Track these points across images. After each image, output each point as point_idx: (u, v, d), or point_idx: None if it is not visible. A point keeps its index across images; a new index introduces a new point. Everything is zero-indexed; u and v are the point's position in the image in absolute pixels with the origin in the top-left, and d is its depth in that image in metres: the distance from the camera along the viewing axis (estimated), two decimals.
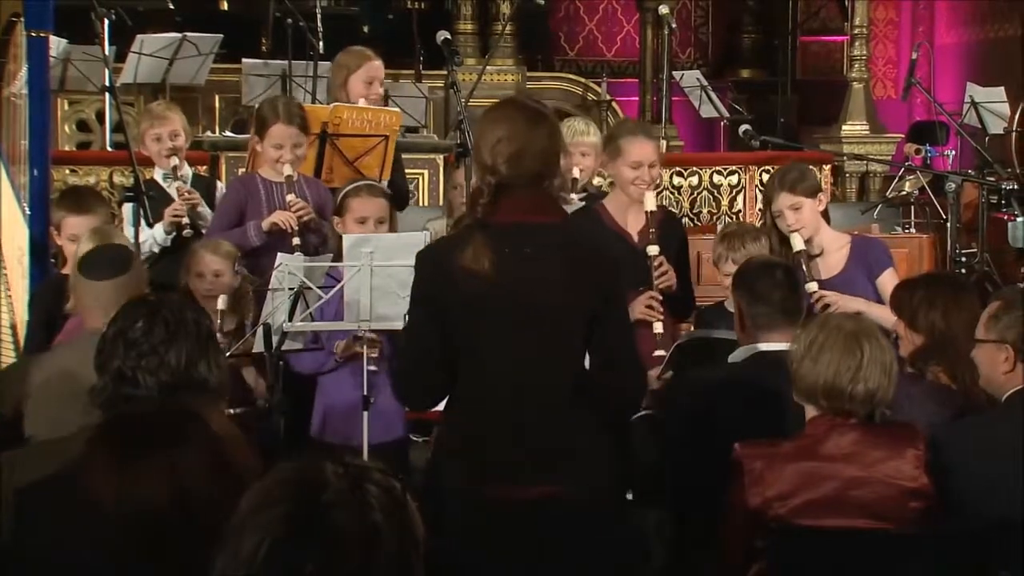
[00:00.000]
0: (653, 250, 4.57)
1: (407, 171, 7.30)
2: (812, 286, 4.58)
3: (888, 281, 4.76)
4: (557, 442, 3.24)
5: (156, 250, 5.43)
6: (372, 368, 4.49)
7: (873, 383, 3.24)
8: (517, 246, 3.21)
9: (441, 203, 7.14)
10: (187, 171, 5.73)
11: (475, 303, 3.21)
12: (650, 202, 4.63)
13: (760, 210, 8.90)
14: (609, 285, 3.32)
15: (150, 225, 5.33)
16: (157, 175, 5.70)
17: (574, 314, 3.26)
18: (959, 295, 3.94)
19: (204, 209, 5.53)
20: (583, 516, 3.24)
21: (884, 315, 4.33)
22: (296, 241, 5.06)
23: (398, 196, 5.74)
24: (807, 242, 4.75)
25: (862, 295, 4.72)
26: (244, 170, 6.01)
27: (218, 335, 4.31)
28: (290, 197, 5.18)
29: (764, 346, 3.85)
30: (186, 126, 5.81)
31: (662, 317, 4.48)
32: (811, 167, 5.50)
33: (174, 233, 5.42)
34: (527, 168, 3.23)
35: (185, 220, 5.40)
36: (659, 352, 4.39)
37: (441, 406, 3.47)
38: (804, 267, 4.63)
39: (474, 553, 3.20)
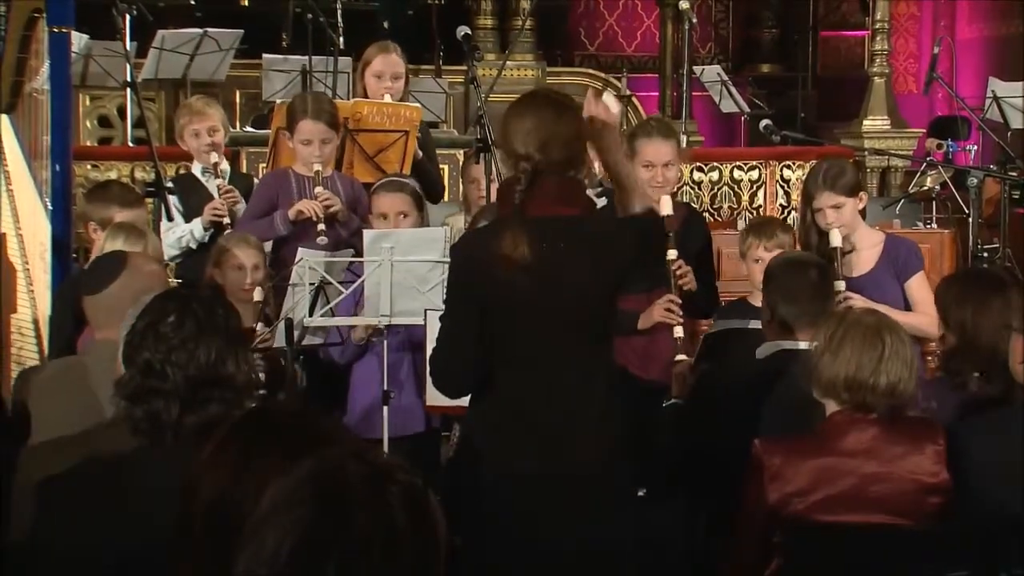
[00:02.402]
0: (671, 254, 4.46)
1: None
2: (840, 285, 4.51)
3: (916, 285, 4.72)
4: (583, 429, 3.28)
5: (194, 246, 5.42)
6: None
7: (895, 375, 3.24)
8: (553, 241, 3.26)
9: (460, 198, 7.13)
10: (225, 167, 5.71)
11: (511, 293, 3.25)
12: (666, 206, 4.50)
13: (782, 205, 8.93)
14: (635, 255, 3.39)
15: (171, 219, 5.34)
16: (195, 169, 5.67)
17: (605, 307, 3.33)
18: (992, 294, 3.76)
19: (243, 206, 5.51)
20: (600, 498, 3.28)
21: (908, 322, 4.28)
22: (321, 227, 5.08)
23: (430, 187, 5.76)
24: (843, 239, 4.73)
25: (889, 296, 4.67)
26: (266, 165, 6.03)
27: (259, 325, 4.36)
28: (318, 189, 5.22)
29: (789, 344, 3.83)
30: (225, 122, 5.80)
31: (682, 321, 4.44)
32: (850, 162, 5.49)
33: (212, 230, 5.40)
34: (555, 156, 3.29)
35: (227, 219, 5.38)
36: (680, 356, 4.36)
37: (463, 401, 3.49)
38: (837, 264, 4.59)
39: (499, 535, 3.24)
